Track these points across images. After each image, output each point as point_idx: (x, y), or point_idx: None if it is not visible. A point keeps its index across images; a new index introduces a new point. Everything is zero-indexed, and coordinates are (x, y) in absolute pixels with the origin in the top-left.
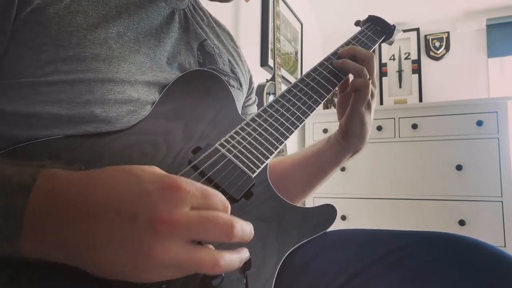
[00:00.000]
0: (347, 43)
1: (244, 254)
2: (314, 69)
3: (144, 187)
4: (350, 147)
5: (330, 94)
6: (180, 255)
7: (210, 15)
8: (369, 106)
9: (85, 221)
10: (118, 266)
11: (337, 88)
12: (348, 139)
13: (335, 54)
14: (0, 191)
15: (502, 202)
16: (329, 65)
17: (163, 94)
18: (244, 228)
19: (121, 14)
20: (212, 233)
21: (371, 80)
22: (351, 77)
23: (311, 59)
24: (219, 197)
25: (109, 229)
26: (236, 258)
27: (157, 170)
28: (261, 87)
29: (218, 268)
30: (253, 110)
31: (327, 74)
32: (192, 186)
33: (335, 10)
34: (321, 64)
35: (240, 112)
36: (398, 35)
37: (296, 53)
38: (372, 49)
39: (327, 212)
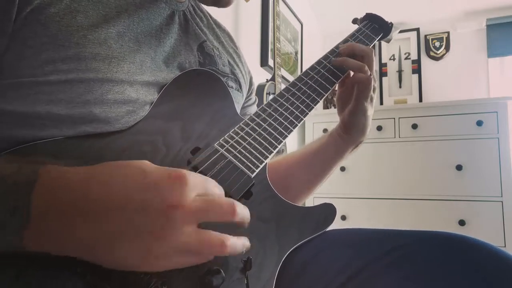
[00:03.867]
0: (345, 41)
1: (246, 241)
2: (312, 68)
3: (151, 178)
4: (352, 140)
5: (328, 93)
6: (191, 238)
7: (210, 16)
8: (371, 100)
9: (94, 218)
10: (133, 255)
11: (335, 87)
12: (350, 132)
13: (333, 52)
14: (3, 189)
15: (502, 202)
16: (327, 64)
17: (161, 94)
18: (243, 209)
19: (121, 14)
20: (219, 214)
21: (372, 75)
22: (350, 73)
23: (311, 59)
24: (214, 182)
25: (123, 221)
26: (240, 242)
27: (150, 164)
28: (261, 87)
29: (225, 248)
30: (253, 110)
31: (325, 73)
32: (193, 174)
33: (335, 10)
34: (319, 63)
35: (239, 113)
36: (395, 33)
37: (296, 53)
38: (370, 47)
39: (327, 211)
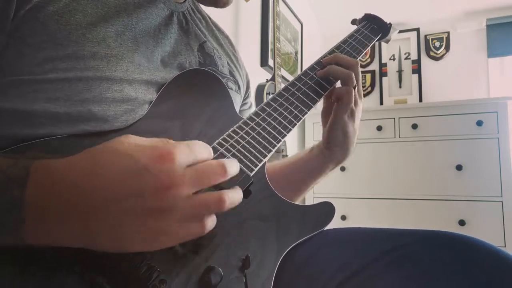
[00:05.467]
0: (344, 41)
1: (241, 192)
2: (312, 68)
3: (140, 164)
4: (332, 157)
5: (327, 92)
6: (189, 206)
7: (210, 19)
8: (352, 115)
9: (93, 209)
10: (137, 238)
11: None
12: (331, 149)
13: (332, 52)
14: None
15: (502, 202)
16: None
17: (160, 93)
18: (233, 164)
19: (120, 14)
20: (211, 179)
21: (356, 88)
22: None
23: (311, 59)
24: (201, 144)
25: (122, 208)
26: (237, 193)
27: (136, 140)
28: (261, 87)
29: (223, 203)
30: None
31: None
32: (179, 146)
33: (335, 10)
34: (318, 62)
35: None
36: (394, 33)
37: (296, 53)
38: (368, 47)
39: (326, 210)
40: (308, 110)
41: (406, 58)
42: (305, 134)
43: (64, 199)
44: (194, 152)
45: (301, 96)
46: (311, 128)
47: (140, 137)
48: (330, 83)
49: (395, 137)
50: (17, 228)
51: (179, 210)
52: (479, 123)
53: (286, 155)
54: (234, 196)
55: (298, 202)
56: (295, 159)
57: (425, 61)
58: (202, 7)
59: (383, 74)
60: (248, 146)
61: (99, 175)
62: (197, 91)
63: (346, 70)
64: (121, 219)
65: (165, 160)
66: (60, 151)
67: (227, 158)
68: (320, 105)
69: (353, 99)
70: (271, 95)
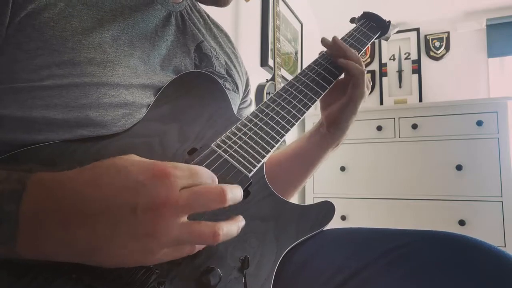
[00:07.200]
0: (343, 40)
1: (240, 221)
2: (310, 67)
3: (136, 178)
4: (333, 139)
5: (326, 91)
6: (181, 231)
7: (208, 16)
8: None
9: (87, 220)
10: (128, 253)
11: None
12: (334, 130)
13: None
14: None
15: (502, 202)
16: (324, 63)
17: (157, 97)
18: (235, 191)
19: (116, 18)
20: (208, 203)
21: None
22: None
23: (311, 59)
24: (205, 172)
25: (114, 222)
26: (234, 225)
27: (136, 158)
28: (261, 87)
29: (217, 237)
30: (249, 112)
31: (322, 72)
32: (178, 166)
33: (335, 10)
34: (316, 62)
35: (235, 114)
36: (394, 31)
37: (296, 53)
38: (367, 45)
39: (326, 209)
40: (307, 109)
41: (406, 58)
42: None
43: (61, 208)
44: (194, 175)
45: (299, 95)
46: (310, 127)
47: (141, 157)
48: (336, 76)
49: (395, 137)
50: (11, 242)
51: (171, 236)
52: (479, 123)
53: None
54: (230, 229)
55: (298, 190)
56: (298, 150)
57: (425, 61)
58: (202, 6)
59: (383, 74)
60: (246, 147)
61: (98, 186)
62: (194, 94)
63: (360, 67)
64: (115, 232)
65: (162, 178)
66: (57, 157)
67: (229, 181)
68: (319, 105)
69: (367, 84)
70: (270, 95)
